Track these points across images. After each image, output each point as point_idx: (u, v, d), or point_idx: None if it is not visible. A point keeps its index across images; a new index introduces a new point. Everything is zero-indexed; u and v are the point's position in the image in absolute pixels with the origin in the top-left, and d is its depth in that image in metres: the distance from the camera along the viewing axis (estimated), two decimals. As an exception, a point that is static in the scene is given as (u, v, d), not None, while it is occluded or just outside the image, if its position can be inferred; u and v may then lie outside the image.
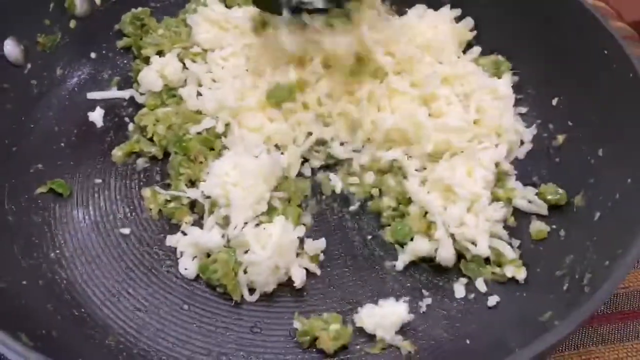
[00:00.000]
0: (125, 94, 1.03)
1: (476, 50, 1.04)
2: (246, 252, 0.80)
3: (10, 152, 0.92)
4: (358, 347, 0.79)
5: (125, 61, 1.07)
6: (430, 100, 0.94)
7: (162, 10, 1.10)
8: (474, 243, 0.84)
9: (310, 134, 0.94)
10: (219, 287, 0.82)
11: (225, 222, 0.85)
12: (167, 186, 0.92)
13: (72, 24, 1.02)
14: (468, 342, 0.79)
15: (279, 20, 0.90)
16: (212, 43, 1.03)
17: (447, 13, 1.04)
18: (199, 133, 0.93)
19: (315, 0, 0.87)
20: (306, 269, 0.84)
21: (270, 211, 0.85)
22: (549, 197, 0.89)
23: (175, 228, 0.88)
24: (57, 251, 0.85)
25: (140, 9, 1.07)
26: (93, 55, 1.06)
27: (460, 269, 0.85)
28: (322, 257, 0.86)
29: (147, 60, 1.03)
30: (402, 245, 0.86)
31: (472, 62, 1.01)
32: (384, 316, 0.78)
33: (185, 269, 0.84)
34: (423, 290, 0.84)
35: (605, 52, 0.90)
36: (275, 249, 0.79)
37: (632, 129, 0.85)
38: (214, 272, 0.80)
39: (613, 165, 0.86)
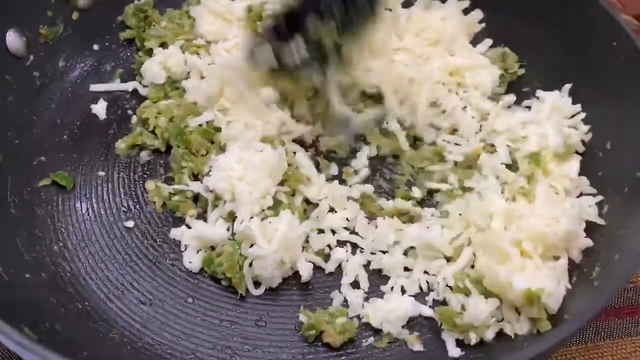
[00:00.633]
0: (128, 86, 1.02)
1: (487, 42, 1.03)
2: (251, 246, 0.79)
3: (13, 145, 0.91)
4: (364, 341, 0.78)
5: (128, 53, 1.07)
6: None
7: (165, 2, 1.09)
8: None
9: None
10: (223, 280, 0.81)
11: (230, 216, 0.84)
12: (170, 179, 0.91)
13: (75, 15, 1.01)
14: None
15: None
16: (215, 35, 1.02)
17: (455, 5, 1.02)
18: (200, 125, 0.93)
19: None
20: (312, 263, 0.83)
21: (276, 205, 0.84)
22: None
23: (179, 221, 0.88)
24: (61, 244, 0.85)
25: (143, 0, 1.06)
26: (96, 47, 1.05)
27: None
28: (327, 250, 0.85)
29: (150, 53, 1.02)
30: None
31: (482, 55, 1.00)
32: (390, 310, 0.78)
33: (190, 262, 0.83)
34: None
35: (615, 44, 0.89)
36: (281, 243, 0.78)
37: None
38: (218, 265, 0.80)
39: (621, 158, 0.85)
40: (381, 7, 0.87)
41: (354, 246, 0.86)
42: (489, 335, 0.74)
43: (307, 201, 0.88)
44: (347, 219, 0.87)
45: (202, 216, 0.87)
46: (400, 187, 0.91)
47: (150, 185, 0.91)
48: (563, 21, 0.96)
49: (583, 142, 0.91)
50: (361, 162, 0.93)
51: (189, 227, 0.86)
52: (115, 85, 1.03)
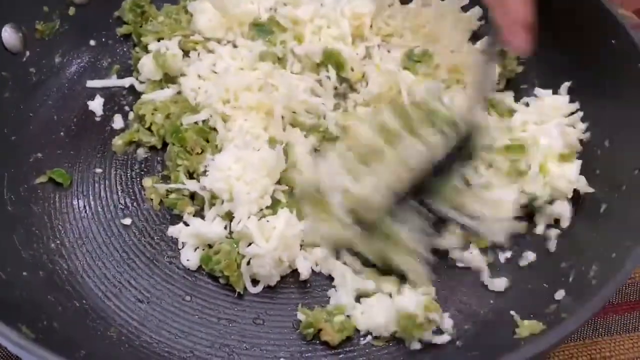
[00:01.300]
0: (125, 82, 1.02)
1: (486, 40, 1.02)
2: (249, 244, 0.79)
3: (9, 142, 0.90)
4: (362, 339, 0.78)
5: (125, 49, 1.06)
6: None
7: (162, -4, 1.08)
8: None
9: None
10: (221, 278, 0.81)
11: (228, 215, 0.84)
12: (167, 177, 0.91)
13: (71, 11, 1.01)
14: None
15: None
16: (213, 32, 1.02)
17: (453, 2, 1.02)
18: (196, 123, 0.92)
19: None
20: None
21: (274, 204, 0.84)
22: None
23: (176, 218, 0.87)
24: (58, 242, 0.84)
25: (140, -5, 1.05)
26: (92, 42, 1.04)
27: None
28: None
29: (147, 48, 1.01)
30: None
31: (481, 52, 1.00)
32: (375, 314, 0.77)
33: (187, 260, 0.83)
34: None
35: (613, 41, 0.89)
36: (279, 241, 0.78)
37: (638, 120, 0.84)
38: (216, 264, 0.80)
39: (619, 155, 0.85)
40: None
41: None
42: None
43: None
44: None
45: (200, 214, 0.87)
46: None
47: (147, 182, 0.91)
48: (562, 18, 0.96)
49: (581, 140, 0.91)
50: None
51: (186, 224, 0.86)
52: (112, 82, 1.02)
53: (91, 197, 0.89)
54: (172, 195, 0.88)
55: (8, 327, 0.61)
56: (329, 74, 0.95)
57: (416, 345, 0.76)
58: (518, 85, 1.01)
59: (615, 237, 0.77)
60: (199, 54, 1.00)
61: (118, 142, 0.95)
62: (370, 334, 0.78)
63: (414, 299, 0.76)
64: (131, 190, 0.91)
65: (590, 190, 0.85)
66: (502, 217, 0.83)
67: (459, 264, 0.85)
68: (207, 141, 0.91)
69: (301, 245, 0.82)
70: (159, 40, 1.01)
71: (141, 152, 0.94)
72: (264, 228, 0.80)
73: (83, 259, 0.83)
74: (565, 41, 0.96)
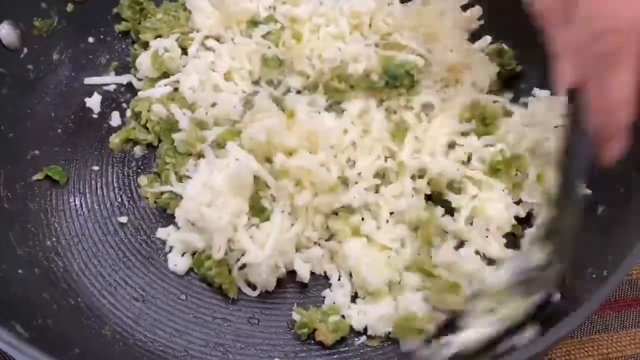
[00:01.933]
0: (123, 79, 1.02)
1: (486, 39, 1.02)
2: (242, 254, 0.78)
3: (6, 138, 0.90)
4: (356, 339, 0.78)
5: (123, 46, 1.05)
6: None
7: (161, -6, 1.08)
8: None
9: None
10: (214, 283, 0.81)
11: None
12: (159, 175, 0.91)
13: (69, 7, 1.00)
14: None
15: None
16: (211, 29, 1.01)
17: (453, 1, 1.01)
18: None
19: None
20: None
21: (260, 211, 0.81)
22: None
23: (171, 218, 0.87)
24: (54, 239, 0.84)
25: (139, -8, 1.05)
26: (91, 39, 1.04)
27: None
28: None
29: (145, 45, 1.01)
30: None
31: (481, 52, 1.00)
32: (372, 315, 0.77)
33: (175, 265, 0.82)
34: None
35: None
36: (274, 247, 0.77)
37: (637, 121, 0.83)
38: (208, 270, 0.79)
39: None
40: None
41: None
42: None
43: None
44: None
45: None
46: None
47: (142, 181, 0.91)
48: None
49: (579, 141, 0.90)
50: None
51: (177, 227, 0.85)
52: (110, 79, 1.02)
53: (88, 195, 0.89)
54: (165, 195, 0.88)
55: (1, 326, 0.61)
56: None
57: (411, 346, 0.76)
58: (517, 85, 1.01)
59: (611, 239, 0.76)
60: (197, 51, 1.00)
61: (115, 139, 0.95)
62: (365, 333, 0.78)
63: (417, 299, 0.76)
64: (128, 188, 0.90)
65: (587, 192, 0.85)
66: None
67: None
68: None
69: (297, 248, 0.82)
70: (155, 38, 1.01)
71: (138, 150, 0.94)
72: (256, 236, 0.78)
73: (79, 257, 0.83)
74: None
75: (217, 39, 1.01)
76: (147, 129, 0.94)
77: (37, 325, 0.71)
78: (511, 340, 0.66)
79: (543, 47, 0.96)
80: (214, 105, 0.92)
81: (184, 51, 1.00)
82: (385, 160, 0.89)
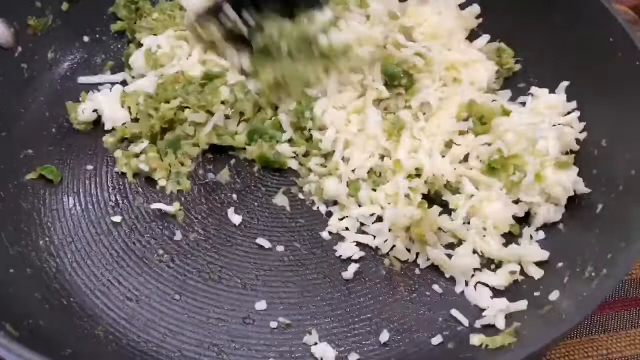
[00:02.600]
0: (117, 78, 1.01)
1: (485, 38, 1.01)
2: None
3: (1, 137, 0.90)
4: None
5: (119, 45, 1.05)
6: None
7: (156, -7, 1.07)
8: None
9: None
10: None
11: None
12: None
13: (65, 6, 1.00)
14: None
15: None
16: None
17: (452, -1, 1.01)
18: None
19: None
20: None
21: None
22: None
23: (159, 194, 0.88)
24: (47, 239, 0.83)
25: (135, -9, 1.05)
26: (86, 38, 1.03)
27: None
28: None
29: (140, 45, 1.01)
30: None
31: (479, 51, 0.99)
32: None
33: None
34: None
35: (611, 39, 0.88)
36: None
37: (636, 119, 0.83)
38: None
39: (617, 156, 0.84)
40: None
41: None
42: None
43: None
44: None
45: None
46: None
47: (117, 153, 0.91)
48: (559, 16, 0.95)
49: (577, 139, 0.89)
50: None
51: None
52: (104, 77, 1.01)
53: (81, 194, 0.88)
54: (141, 157, 0.90)
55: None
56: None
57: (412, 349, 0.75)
58: (515, 84, 1.00)
59: (611, 237, 0.76)
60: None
61: (109, 139, 0.94)
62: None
63: None
64: (122, 188, 0.90)
65: (587, 190, 0.84)
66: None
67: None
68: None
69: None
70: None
71: (134, 147, 0.93)
72: None
73: (72, 257, 0.82)
74: (562, 39, 0.95)
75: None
76: (137, 121, 0.94)
77: (28, 325, 0.70)
78: None
79: (541, 46, 0.98)
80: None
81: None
82: (382, 159, 0.88)
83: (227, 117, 0.93)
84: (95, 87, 0.99)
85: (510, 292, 0.80)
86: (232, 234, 0.86)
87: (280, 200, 0.90)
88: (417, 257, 0.83)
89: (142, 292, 0.80)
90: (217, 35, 0.85)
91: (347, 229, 0.86)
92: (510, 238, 0.85)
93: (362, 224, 0.86)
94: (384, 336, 0.77)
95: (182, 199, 0.89)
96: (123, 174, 0.91)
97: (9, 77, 0.93)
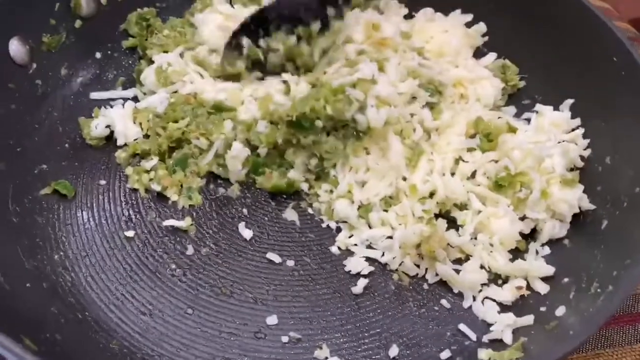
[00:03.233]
0: (129, 93, 1.03)
1: (491, 56, 1.03)
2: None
3: (15, 153, 0.91)
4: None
5: (130, 61, 1.07)
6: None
7: (167, 10, 1.09)
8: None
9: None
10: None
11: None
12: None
13: (78, 23, 1.01)
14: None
15: None
16: (218, 42, 1.02)
17: (458, 18, 1.03)
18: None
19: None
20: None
21: None
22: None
23: (170, 209, 0.90)
24: (61, 253, 0.85)
25: (146, 9, 1.06)
26: (98, 55, 1.05)
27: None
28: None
29: (152, 61, 1.02)
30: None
31: (485, 68, 1.01)
32: None
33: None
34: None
35: (615, 58, 0.89)
36: None
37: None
38: None
39: (621, 173, 0.85)
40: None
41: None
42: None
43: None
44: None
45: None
46: None
47: (129, 169, 0.93)
48: (564, 35, 0.97)
49: (582, 156, 0.91)
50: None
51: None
52: (116, 93, 1.03)
53: (95, 209, 0.90)
54: (152, 174, 0.91)
55: (11, 340, 0.62)
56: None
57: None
58: (520, 101, 1.02)
59: (616, 254, 0.77)
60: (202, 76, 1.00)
61: (122, 154, 0.95)
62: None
63: None
64: (135, 202, 0.91)
65: (592, 207, 0.86)
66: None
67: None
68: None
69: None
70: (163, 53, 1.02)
71: (145, 164, 0.95)
72: None
73: (86, 271, 0.84)
74: (566, 57, 0.97)
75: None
76: (148, 137, 0.95)
77: (46, 339, 0.71)
78: None
79: (544, 63, 0.99)
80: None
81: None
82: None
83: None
84: (107, 102, 1.01)
85: (517, 307, 0.81)
86: (243, 248, 0.87)
87: (290, 215, 0.91)
88: (425, 272, 0.85)
89: (155, 306, 0.81)
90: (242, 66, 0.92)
91: (356, 244, 0.87)
92: (516, 253, 0.86)
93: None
94: (394, 351, 0.78)
95: (194, 213, 0.90)
96: (135, 189, 0.92)
97: (24, 93, 0.94)
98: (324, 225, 0.90)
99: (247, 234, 0.88)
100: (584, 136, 0.92)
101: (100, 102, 1.01)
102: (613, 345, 0.84)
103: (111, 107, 1.00)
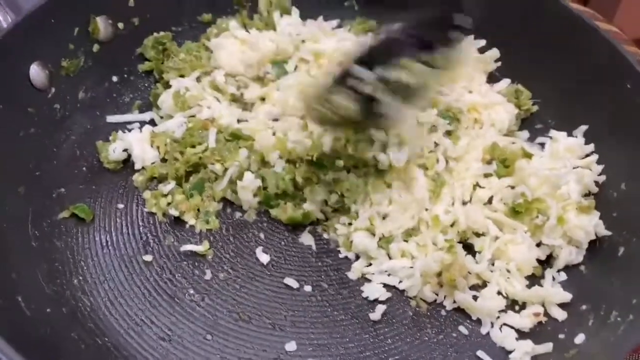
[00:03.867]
0: (145, 117, 1.03)
1: (505, 82, 1.04)
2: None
3: (34, 177, 0.91)
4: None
5: (146, 84, 1.08)
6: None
7: (183, 34, 1.10)
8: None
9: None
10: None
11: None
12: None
13: (96, 48, 1.02)
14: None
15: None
16: (232, 67, 1.03)
17: (471, 43, 1.04)
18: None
19: None
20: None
21: None
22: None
23: (188, 233, 0.90)
24: (80, 277, 0.85)
25: (162, 33, 1.07)
26: (115, 78, 1.06)
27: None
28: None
29: (168, 84, 1.03)
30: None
31: (499, 94, 1.02)
32: None
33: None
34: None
35: (629, 85, 0.90)
36: None
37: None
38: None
39: (637, 199, 0.86)
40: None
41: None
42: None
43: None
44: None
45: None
46: None
47: (146, 194, 0.93)
48: (576, 60, 0.97)
49: (596, 182, 0.91)
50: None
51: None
52: (133, 117, 1.04)
53: (113, 233, 0.90)
54: (169, 198, 0.92)
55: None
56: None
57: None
58: (533, 125, 1.03)
59: (635, 282, 0.77)
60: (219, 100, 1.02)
61: (139, 177, 0.96)
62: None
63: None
64: (152, 227, 0.92)
65: (608, 233, 0.86)
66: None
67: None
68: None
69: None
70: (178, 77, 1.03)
71: (162, 188, 0.95)
72: None
73: (105, 296, 0.84)
74: (578, 82, 0.97)
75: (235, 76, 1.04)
76: (165, 161, 0.96)
77: (66, 365, 0.71)
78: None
79: (558, 88, 1.00)
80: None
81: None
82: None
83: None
84: (123, 125, 1.02)
85: (535, 334, 0.82)
86: (260, 273, 0.88)
87: (307, 239, 0.92)
88: (444, 298, 0.85)
89: (174, 331, 0.81)
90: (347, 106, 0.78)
91: (373, 273, 0.87)
92: (532, 280, 0.86)
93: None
94: (413, 378, 0.78)
95: (211, 237, 0.91)
96: (153, 213, 0.93)
97: (43, 117, 0.95)
98: (341, 255, 0.90)
99: (264, 258, 0.89)
100: (598, 162, 0.93)
101: (117, 125, 1.02)
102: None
103: (128, 130, 1.01)
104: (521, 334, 0.82)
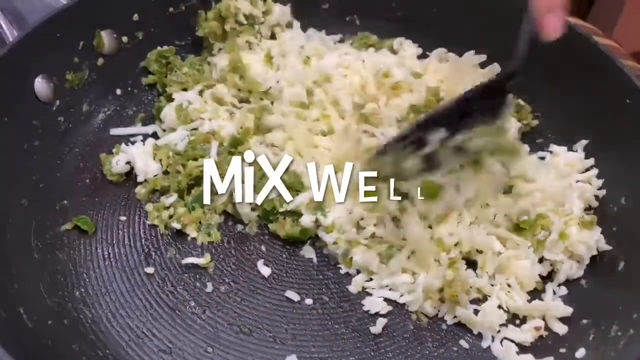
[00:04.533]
0: (148, 129, 1.04)
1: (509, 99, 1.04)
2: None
3: (38, 189, 0.92)
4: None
5: (150, 97, 1.09)
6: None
7: (186, 48, 1.11)
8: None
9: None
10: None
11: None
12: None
13: (100, 61, 1.03)
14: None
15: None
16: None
17: (472, 58, 1.05)
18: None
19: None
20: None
21: None
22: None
23: (190, 245, 0.90)
24: (82, 290, 0.85)
25: (165, 47, 1.09)
26: (118, 91, 1.07)
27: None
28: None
29: (171, 97, 1.04)
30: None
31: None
32: None
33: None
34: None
35: (628, 100, 0.91)
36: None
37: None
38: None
39: (637, 213, 0.86)
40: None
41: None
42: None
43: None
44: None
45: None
46: None
47: (149, 206, 0.94)
48: (576, 75, 0.98)
49: (596, 196, 0.92)
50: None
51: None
52: (136, 129, 1.05)
53: (115, 245, 0.91)
54: (171, 210, 0.92)
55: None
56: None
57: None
58: (533, 139, 1.03)
59: (635, 295, 0.77)
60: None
61: (141, 190, 0.97)
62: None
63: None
64: (154, 239, 0.92)
65: (608, 247, 0.86)
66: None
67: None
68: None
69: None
70: (182, 91, 1.04)
71: (165, 200, 0.96)
72: None
73: (107, 308, 0.84)
74: (580, 96, 0.98)
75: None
76: (168, 173, 0.97)
77: (68, 378, 0.71)
78: None
79: (557, 103, 1.01)
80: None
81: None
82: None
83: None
84: (126, 138, 1.03)
85: (536, 348, 0.81)
86: (261, 286, 0.88)
87: (308, 252, 0.92)
88: (444, 313, 0.85)
89: (175, 344, 0.81)
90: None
91: (374, 288, 0.87)
92: (533, 294, 0.86)
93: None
94: (414, 392, 0.78)
95: (213, 250, 0.91)
96: (155, 225, 0.93)
97: (47, 130, 0.96)
98: (342, 272, 0.90)
99: (265, 271, 0.89)
100: (598, 176, 0.93)
101: (121, 138, 1.03)
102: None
103: (131, 143, 1.01)
104: (522, 348, 0.82)
